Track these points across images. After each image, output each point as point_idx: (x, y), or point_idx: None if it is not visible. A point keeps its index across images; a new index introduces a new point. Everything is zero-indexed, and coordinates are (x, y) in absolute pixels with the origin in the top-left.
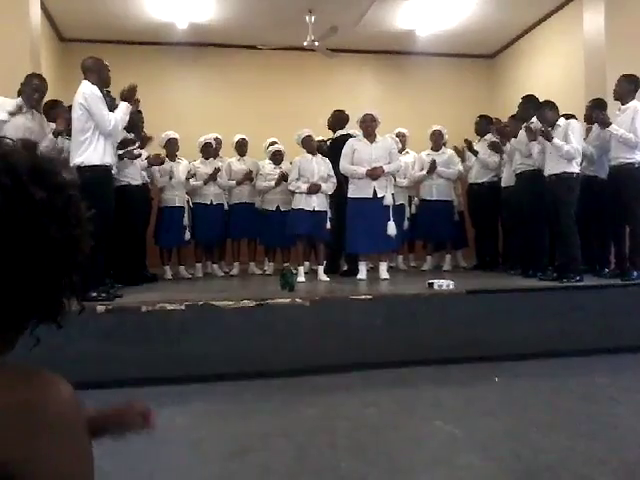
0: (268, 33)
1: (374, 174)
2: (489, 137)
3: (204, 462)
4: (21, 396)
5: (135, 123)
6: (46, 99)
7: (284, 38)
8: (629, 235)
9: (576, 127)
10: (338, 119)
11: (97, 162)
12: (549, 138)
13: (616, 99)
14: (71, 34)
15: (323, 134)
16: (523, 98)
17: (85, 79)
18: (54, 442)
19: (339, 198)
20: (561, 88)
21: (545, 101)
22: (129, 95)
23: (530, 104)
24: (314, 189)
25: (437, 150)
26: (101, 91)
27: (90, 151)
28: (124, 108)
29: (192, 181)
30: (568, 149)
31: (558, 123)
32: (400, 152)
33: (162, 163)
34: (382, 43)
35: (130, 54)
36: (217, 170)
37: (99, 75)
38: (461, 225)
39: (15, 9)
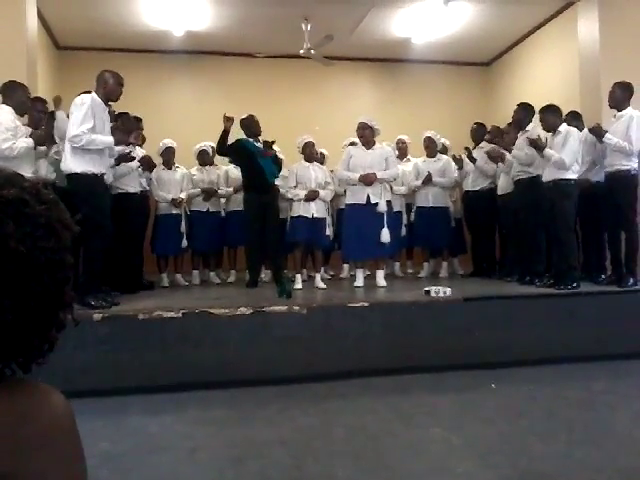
0: (264, 41)
1: (366, 180)
2: (485, 144)
3: (201, 470)
4: (13, 408)
5: (131, 129)
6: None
7: (280, 46)
8: (625, 242)
9: (574, 136)
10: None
11: (80, 170)
12: (540, 148)
13: (612, 107)
14: (68, 42)
15: (319, 141)
16: (518, 105)
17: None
18: (46, 453)
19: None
20: (556, 95)
21: (547, 105)
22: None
23: (526, 111)
24: (312, 196)
25: (432, 156)
26: (106, 104)
27: (76, 159)
28: (109, 141)
29: (190, 190)
30: (556, 159)
31: (559, 129)
32: (401, 159)
33: (153, 167)
34: (378, 51)
35: (127, 62)
36: (212, 192)
37: (104, 87)
38: (459, 232)
39: (12, 17)
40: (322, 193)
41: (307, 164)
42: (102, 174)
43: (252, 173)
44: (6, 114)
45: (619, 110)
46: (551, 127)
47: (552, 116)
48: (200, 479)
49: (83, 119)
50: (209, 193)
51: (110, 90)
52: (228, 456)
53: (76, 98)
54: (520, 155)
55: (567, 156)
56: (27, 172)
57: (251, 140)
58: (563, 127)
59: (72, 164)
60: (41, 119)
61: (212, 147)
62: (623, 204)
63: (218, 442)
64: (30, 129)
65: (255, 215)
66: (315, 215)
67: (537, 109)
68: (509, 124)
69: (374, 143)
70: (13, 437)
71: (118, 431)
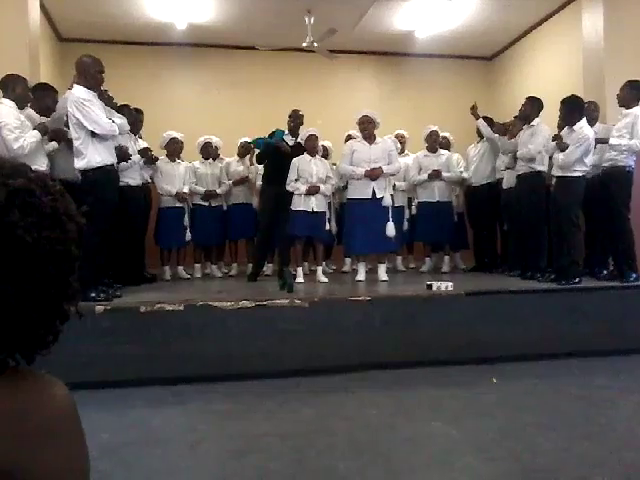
0: (267, 34)
1: (373, 174)
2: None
3: (202, 463)
4: (16, 398)
5: (134, 123)
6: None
7: (283, 39)
8: (620, 238)
9: (583, 140)
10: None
11: (98, 164)
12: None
13: (621, 105)
14: (70, 34)
15: (322, 134)
16: (527, 98)
17: (76, 82)
18: (49, 444)
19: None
20: (559, 90)
21: (567, 98)
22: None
23: (534, 105)
24: (313, 190)
25: (433, 152)
26: (94, 91)
27: (90, 154)
28: (124, 124)
29: (194, 186)
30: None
31: (574, 128)
32: (399, 154)
33: (155, 160)
34: (381, 44)
35: (129, 54)
36: (213, 194)
37: (85, 77)
38: (462, 226)
39: (14, 9)
40: (322, 187)
41: (309, 158)
42: (113, 164)
43: (274, 165)
44: (10, 111)
45: (627, 108)
46: (566, 122)
47: (569, 112)
48: (201, 472)
49: (97, 112)
50: (210, 195)
51: (91, 80)
52: (229, 449)
53: (71, 98)
54: (523, 152)
55: (566, 155)
56: (43, 165)
57: (286, 133)
58: (578, 126)
59: (94, 159)
60: (48, 108)
61: (216, 141)
62: (617, 200)
63: (219, 435)
64: (37, 115)
65: (268, 207)
66: (315, 209)
67: (542, 102)
68: (515, 117)
69: (375, 137)
70: (16, 428)
71: (119, 423)
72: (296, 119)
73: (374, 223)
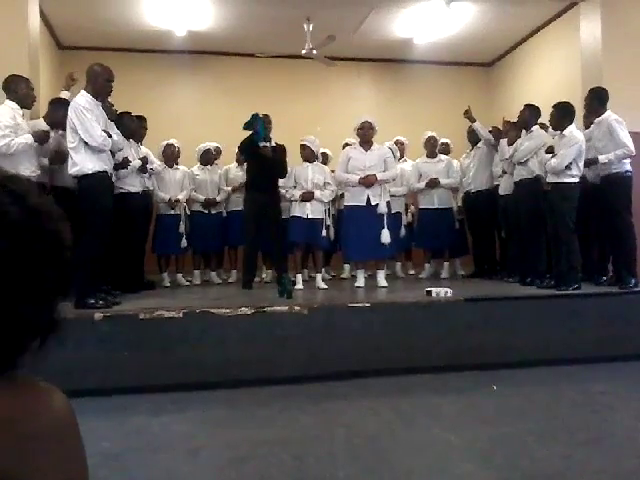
0: (266, 41)
1: (367, 182)
2: (482, 145)
3: (201, 470)
4: (14, 406)
5: (136, 131)
6: (44, 107)
7: (282, 46)
8: (622, 243)
9: (573, 142)
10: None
11: (90, 170)
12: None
13: (591, 115)
14: (70, 42)
15: (321, 141)
16: (525, 106)
17: (84, 88)
18: (47, 451)
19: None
20: (558, 96)
21: (558, 103)
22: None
23: (532, 112)
24: (307, 197)
25: (432, 157)
26: (98, 99)
27: (80, 160)
28: (122, 140)
29: (194, 193)
30: (552, 164)
31: (564, 133)
32: (398, 160)
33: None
34: (380, 51)
35: (129, 61)
36: (213, 203)
37: (93, 85)
38: (462, 233)
39: (14, 17)
40: (318, 194)
41: (306, 164)
42: (106, 171)
43: (254, 171)
44: (7, 111)
45: (598, 116)
46: (556, 127)
47: (561, 118)
48: (200, 479)
49: (91, 123)
50: (210, 203)
51: (98, 88)
52: (229, 456)
53: (72, 103)
54: (514, 156)
55: (559, 158)
56: (27, 170)
57: (262, 138)
58: (568, 130)
59: (86, 166)
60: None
61: (216, 147)
62: (618, 205)
63: (219, 442)
64: (42, 124)
65: (253, 214)
66: (310, 216)
67: (539, 110)
68: (507, 122)
69: (372, 143)
70: (14, 435)
71: (119, 430)
72: (267, 124)
73: (369, 230)
